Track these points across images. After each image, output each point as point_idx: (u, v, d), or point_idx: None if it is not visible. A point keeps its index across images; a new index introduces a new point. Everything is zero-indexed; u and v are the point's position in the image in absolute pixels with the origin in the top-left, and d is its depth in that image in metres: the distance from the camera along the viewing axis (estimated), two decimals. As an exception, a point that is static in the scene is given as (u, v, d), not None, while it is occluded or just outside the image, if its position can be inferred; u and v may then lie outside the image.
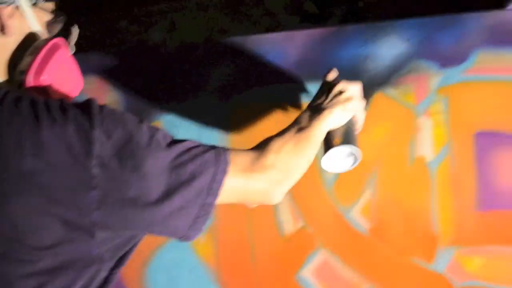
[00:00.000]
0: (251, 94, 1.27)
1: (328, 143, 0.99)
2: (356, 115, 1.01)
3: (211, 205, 0.75)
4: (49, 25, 0.85)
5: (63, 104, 0.71)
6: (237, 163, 0.80)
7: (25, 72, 0.80)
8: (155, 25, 1.72)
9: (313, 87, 1.21)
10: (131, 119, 0.73)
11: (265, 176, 0.83)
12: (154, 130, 0.74)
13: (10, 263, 0.68)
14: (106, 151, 0.68)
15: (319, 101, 1.00)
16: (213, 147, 0.79)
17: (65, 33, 0.88)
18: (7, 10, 0.77)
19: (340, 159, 1.02)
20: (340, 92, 0.99)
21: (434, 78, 1.18)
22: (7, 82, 0.80)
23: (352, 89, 1.00)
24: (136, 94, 1.31)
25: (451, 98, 1.17)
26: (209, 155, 0.77)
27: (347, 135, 0.99)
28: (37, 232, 0.67)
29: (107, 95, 1.28)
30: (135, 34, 1.77)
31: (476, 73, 1.16)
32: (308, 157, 0.92)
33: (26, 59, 0.80)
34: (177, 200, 0.72)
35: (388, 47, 1.21)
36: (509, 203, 1.15)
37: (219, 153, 0.78)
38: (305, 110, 1.00)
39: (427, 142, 1.18)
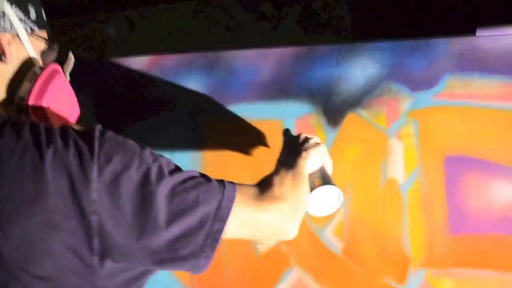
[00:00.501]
0: (223, 111, 1.27)
1: (309, 186, 1.00)
2: (326, 159, 1.06)
3: (218, 232, 0.72)
4: (44, 53, 0.85)
5: (63, 130, 0.70)
6: (245, 192, 0.79)
7: (24, 98, 0.80)
8: (113, 24, 1.72)
9: (284, 106, 1.24)
10: (132, 144, 0.72)
11: (276, 207, 0.81)
12: (157, 156, 0.73)
13: None
14: (106, 176, 0.67)
15: (292, 147, 1.04)
16: (218, 180, 0.77)
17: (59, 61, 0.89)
18: (6, 37, 0.78)
19: (323, 201, 1.04)
20: (307, 139, 1.05)
21: (405, 101, 1.19)
22: (6, 108, 0.80)
23: (315, 137, 1.06)
24: (105, 108, 1.30)
25: (421, 122, 1.18)
26: (214, 183, 0.75)
27: (325, 177, 1.03)
28: (40, 259, 0.66)
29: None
30: (93, 33, 1.76)
31: (445, 98, 1.17)
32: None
33: (25, 85, 0.80)
34: (180, 227, 0.70)
35: (360, 68, 1.22)
36: (479, 227, 1.16)
37: (225, 182, 0.76)
38: (283, 154, 1.04)
39: (399, 164, 1.19)
